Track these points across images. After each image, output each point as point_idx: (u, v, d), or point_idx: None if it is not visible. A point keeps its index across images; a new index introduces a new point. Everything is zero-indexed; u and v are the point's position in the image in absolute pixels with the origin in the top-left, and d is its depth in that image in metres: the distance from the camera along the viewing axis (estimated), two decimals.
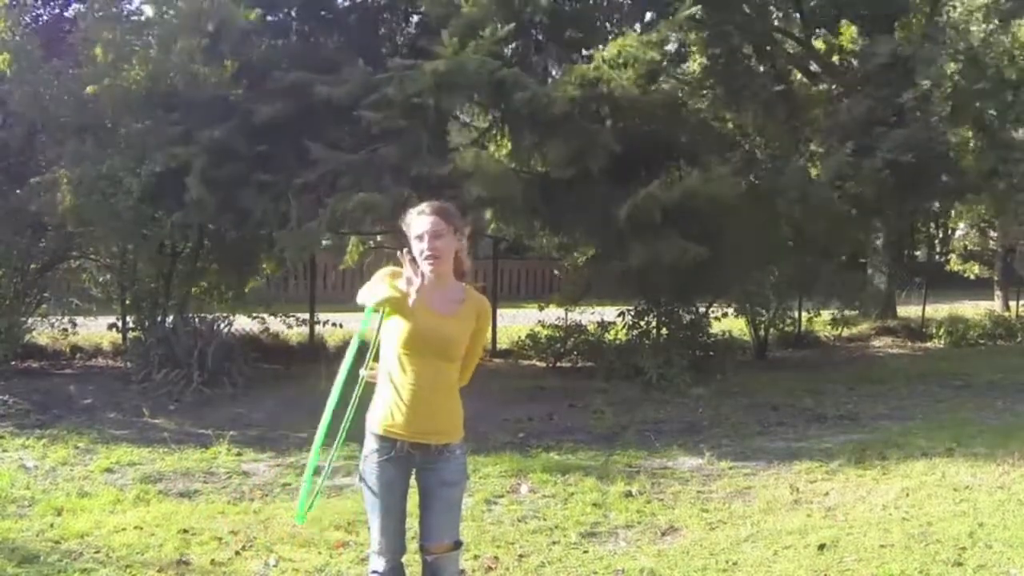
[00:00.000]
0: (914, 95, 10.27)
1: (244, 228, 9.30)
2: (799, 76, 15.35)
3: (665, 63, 9.19)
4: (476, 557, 4.63)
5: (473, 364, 3.37)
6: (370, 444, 3.22)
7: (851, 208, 10.70)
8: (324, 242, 10.04)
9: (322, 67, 8.93)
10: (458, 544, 3.27)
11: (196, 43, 8.62)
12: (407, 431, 3.14)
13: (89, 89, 8.56)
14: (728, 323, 11.92)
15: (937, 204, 16.05)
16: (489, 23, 8.44)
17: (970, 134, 10.72)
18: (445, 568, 3.24)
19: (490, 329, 12.19)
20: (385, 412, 3.17)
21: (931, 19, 13.84)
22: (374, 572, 3.26)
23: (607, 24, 10.57)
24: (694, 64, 12.79)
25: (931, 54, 10.31)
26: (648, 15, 10.60)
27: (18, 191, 9.21)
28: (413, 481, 3.26)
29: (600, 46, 9.80)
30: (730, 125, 12.36)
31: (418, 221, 3.19)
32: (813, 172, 11.10)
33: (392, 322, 3.16)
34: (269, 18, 9.82)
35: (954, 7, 10.80)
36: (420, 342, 3.12)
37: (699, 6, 9.01)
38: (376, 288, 3.17)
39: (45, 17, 10.38)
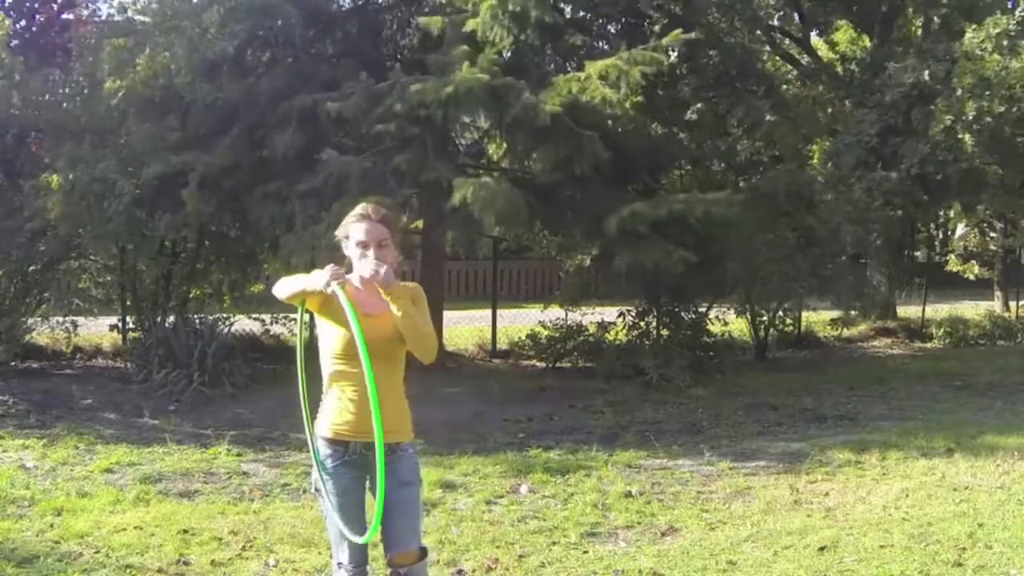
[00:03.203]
0: (941, 128, 10.37)
1: (245, 230, 9.31)
2: (797, 79, 15.41)
3: (660, 78, 9.28)
4: (476, 557, 4.63)
5: (428, 335, 3.14)
6: (322, 450, 3.16)
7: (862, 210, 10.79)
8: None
9: (324, 75, 8.97)
10: (424, 552, 3.20)
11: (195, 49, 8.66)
12: (357, 431, 3.08)
13: (108, 85, 8.58)
14: (728, 323, 11.91)
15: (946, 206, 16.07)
16: (496, 37, 8.53)
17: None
18: None
19: (489, 329, 12.23)
20: (333, 415, 3.13)
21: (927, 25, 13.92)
22: None
23: (607, 28, 10.64)
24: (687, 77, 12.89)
25: (945, 80, 10.41)
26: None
27: (19, 194, 9.22)
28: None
29: (598, 46, 9.86)
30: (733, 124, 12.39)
31: (360, 227, 3.09)
32: (822, 177, 11.18)
33: (326, 328, 3.11)
34: (271, 26, 9.83)
35: (968, 36, 10.83)
36: (357, 346, 3.02)
37: (689, 33, 9.07)
38: (301, 280, 3.08)
39: (33, 27, 10.42)
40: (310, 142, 8.75)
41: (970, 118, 10.23)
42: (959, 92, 10.30)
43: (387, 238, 3.09)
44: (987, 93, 10.26)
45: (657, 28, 9.94)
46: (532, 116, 8.34)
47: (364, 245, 3.08)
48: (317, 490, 3.21)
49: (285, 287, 3.14)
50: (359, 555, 3.20)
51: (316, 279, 3.01)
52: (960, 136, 10.35)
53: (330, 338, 3.12)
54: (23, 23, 10.52)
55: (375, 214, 3.12)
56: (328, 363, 3.16)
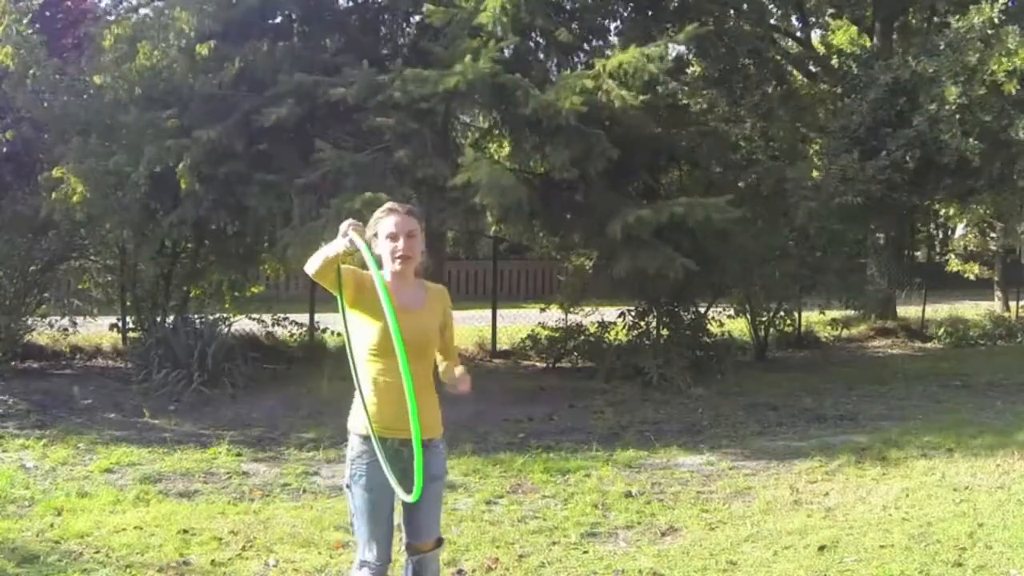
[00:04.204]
0: (925, 117, 10.41)
1: (243, 225, 9.29)
2: (799, 77, 15.41)
3: (665, 72, 9.26)
4: (476, 557, 4.63)
5: (454, 349, 3.38)
6: (357, 447, 3.16)
7: (858, 206, 10.77)
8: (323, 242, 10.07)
9: (324, 69, 8.95)
10: (440, 541, 3.32)
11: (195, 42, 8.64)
12: (395, 428, 3.08)
13: (105, 80, 8.57)
14: (728, 323, 11.91)
15: (938, 205, 16.09)
16: (495, 31, 8.51)
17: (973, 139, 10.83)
18: (429, 565, 3.29)
19: (489, 329, 12.23)
20: (370, 412, 3.13)
21: (930, 26, 13.93)
22: None
23: (606, 23, 10.62)
24: (695, 66, 12.90)
25: (933, 76, 10.47)
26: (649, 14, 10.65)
27: (20, 192, 9.20)
28: None
29: (599, 43, 9.83)
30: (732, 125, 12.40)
31: (389, 220, 3.16)
32: (815, 173, 11.15)
33: (360, 322, 3.12)
34: (270, 21, 9.83)
35: (951, 27, 10.89)
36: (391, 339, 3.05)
37: (705, 27, 9.06)
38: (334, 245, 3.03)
39: (47, 12, 10.36)
40: (305, 128, 8.66)
41: (952, 106, 10.27)
42: (943, 80, 10.34)
43: (415, 229, 3.17)
44: (978, 76, 10.28)
45: (665, 20, 9.92)
46: (551, 114, 8.30)
47: (394, 236, 3.14)
48: (348, 486, 3.22)
49: (313, 261, 3.08)
50: (386, 552, 3.21)
51: (337, 241, 3.00)
52: (940, 125, 10.40)
53: (364, 332, 3.12)
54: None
55: (403, 207, 3.21)
56: (362, 358, 3.16)
